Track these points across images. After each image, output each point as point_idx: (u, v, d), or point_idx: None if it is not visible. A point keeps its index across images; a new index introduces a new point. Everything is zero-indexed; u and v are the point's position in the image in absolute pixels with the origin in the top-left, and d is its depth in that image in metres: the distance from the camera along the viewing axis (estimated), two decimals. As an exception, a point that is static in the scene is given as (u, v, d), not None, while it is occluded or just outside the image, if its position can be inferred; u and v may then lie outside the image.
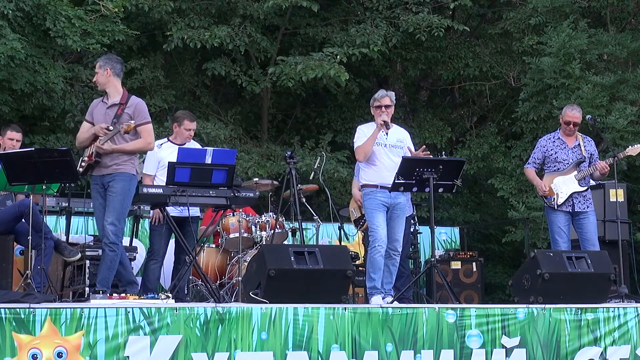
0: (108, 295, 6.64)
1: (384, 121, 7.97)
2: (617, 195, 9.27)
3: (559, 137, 8.95)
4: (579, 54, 12.35)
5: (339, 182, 13.17)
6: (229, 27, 12.88)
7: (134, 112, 7.27)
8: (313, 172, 9.63)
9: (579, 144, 8.89)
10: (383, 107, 8.07)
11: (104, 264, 7.22)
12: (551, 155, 8.88)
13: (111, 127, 7.19)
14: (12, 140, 8.42)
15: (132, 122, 7.15)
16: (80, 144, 7.50)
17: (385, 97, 8.12)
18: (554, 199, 8.74)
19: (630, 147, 8.97)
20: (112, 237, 7.16)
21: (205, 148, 8.15)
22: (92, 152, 7.26)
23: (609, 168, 8.78)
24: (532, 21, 13.35)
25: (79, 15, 11.66)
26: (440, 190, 8.10)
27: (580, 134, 9.00)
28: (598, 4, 13.37)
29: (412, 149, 8.32)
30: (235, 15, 13.15)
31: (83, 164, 7.37)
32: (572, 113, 8.87)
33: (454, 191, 8.29)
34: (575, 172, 8.79)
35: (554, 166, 8.87)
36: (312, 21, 13.82)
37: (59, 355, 6.04)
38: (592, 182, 9.01)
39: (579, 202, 8.77)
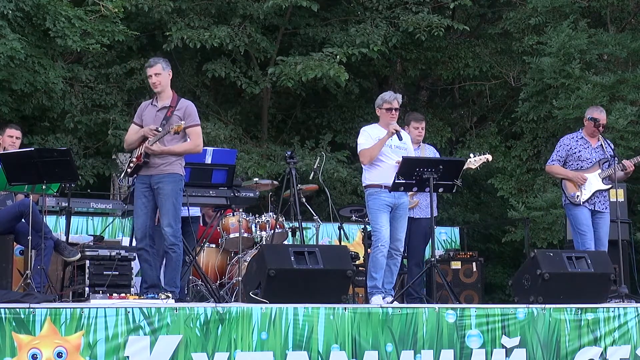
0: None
1: (396, 130, 7.95)
2: (617, 195, 9.26)
3: (582, 137, 8.97)
4: (579, 54, 12.35)
5: (339, 182, 13.17)
6: (229, 27, 12.88)
7: (184, 114, 7.29)
8: (313, 172, 9.62)
9: (601, 145, 8.91)
10: (393, 110, 8.07)
11: (169, 266, 7.27)
12: (574, 153, 8.88)
13: (160, 129, 7.21)
14: (11, 138, 8.40)
15: (182, 122, 7.16)
16: (128, 146, 7.52)
17: (395, 100, 8.11)
18: (578, 195, 8.73)
19: None
20: (170, 239, 7.18)
21: (205, 148, 8.15)
22: (141, 153, 7.27)
23: (634, 167, 8.81)
24: (532, 21, 13.34)
25: (78, 16, 11.66)
26: (440, 190, 8.11)
27: (601, 135, 9.01)
28: (598, 4, 13.36)
29: (412, 151, 8.35)
30: (235, 15, 13.15)
31: (131, 164, 7.38)
32: (602, 115, 8.91)
33: (453, 191, 8.30)
34: (600, 171, 8.80)
35: (577, 164, 8.87)
36: (312, 21, 13.82)
37: (59, 355, 6.04)
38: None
39: (600, 201, 8.79)
